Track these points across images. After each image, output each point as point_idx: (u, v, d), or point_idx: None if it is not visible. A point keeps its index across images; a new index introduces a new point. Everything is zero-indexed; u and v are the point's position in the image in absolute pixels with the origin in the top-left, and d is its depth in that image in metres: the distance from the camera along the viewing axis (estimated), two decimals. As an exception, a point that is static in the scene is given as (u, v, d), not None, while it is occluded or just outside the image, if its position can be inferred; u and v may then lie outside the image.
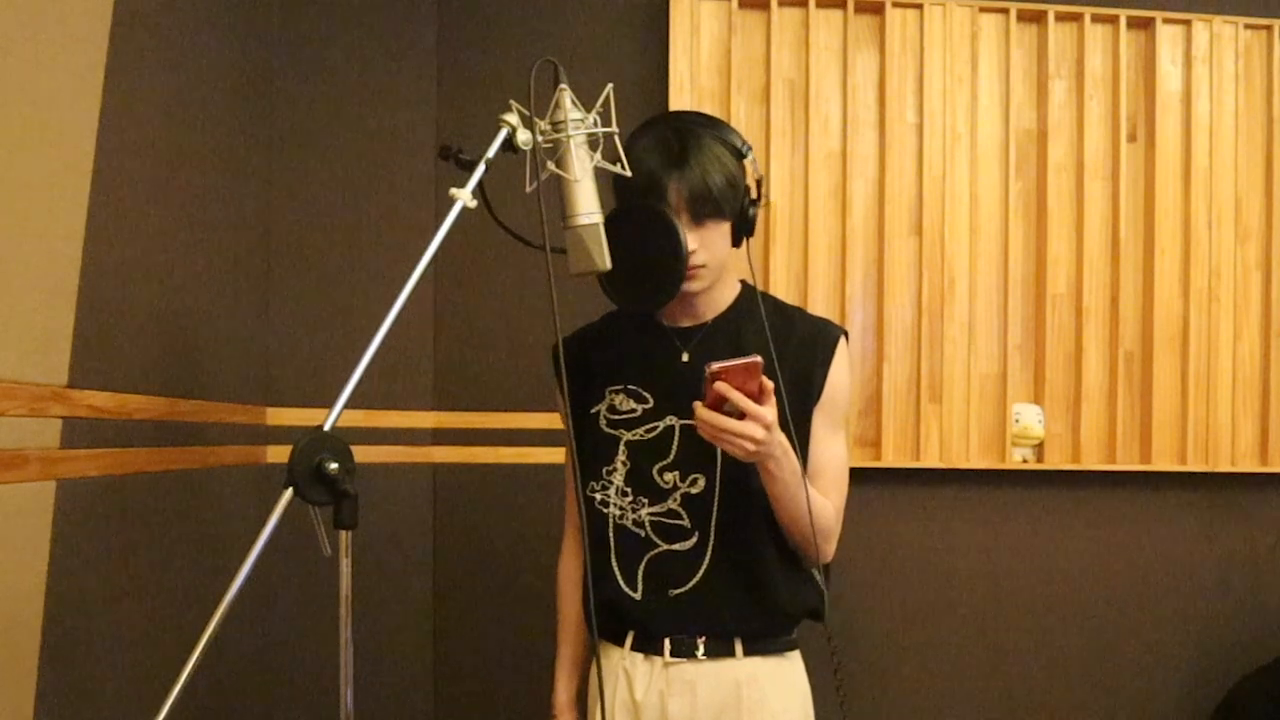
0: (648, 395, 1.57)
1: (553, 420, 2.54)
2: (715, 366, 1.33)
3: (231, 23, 2.16)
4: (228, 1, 2.13)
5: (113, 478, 1.59)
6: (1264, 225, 2.74)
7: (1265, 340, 2.73)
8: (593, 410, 1.61)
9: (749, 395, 1.36)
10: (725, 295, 1.59)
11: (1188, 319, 2.69)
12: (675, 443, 1.54)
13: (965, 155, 2.64)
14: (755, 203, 1.54)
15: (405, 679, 2.50)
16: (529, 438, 2.55)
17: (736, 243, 1.55)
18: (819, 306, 2.60)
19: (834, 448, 1.58)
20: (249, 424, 2.29)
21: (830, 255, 2.62)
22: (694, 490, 1.54)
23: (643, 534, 1.56)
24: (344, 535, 1.15)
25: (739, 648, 1.54)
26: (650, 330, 1.61)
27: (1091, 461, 2.67)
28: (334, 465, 1.14)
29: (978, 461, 2.63)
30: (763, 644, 1.56)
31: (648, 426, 1.56)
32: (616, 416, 1.58)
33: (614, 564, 1.58)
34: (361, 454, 2.21)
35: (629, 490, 1.56)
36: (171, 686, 1.07)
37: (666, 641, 1.54)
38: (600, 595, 1.58)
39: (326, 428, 1.17)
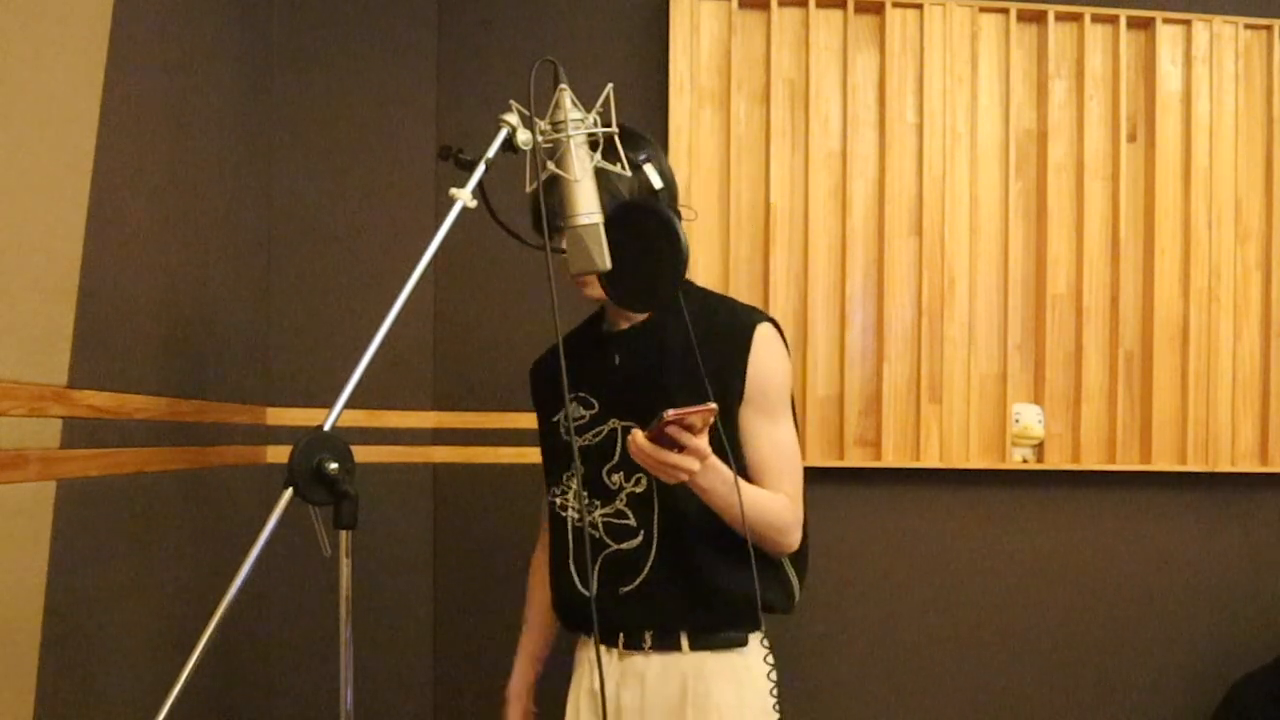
0: (594, 401, 1.63)
1: (553, 420, 2.54)
2: (671, 415, 1.35)
3: (231, 23, 2.15)
4: (228, 1, 2.13)
5: (113, 478, 1.59)
6: (1264, 225, 2.74)
7: (1265, 340, 2.73)
8: (553, 419, 1.69)
9: (693, 429, 1.38)
10: None
11: (1188, 319, 2.69)
12: (619, 445, 1.59)
13: (965, 155, 2.65)
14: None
15: (405, 679, 2.50)
16: (529, 438, 2.54)
17: None
18: (819, 306, 2.60)
19: (774, 438, 1.58)
20: (249, 424, 2.29)
21: (830, 255, 2.62)
22: (638, 490, 1.58)
23: (596, 535, 1.61)
24: (344, 535, 1.15)
25: (684, 641, 1.58)
26: (594, 337, 1.68)
27: (1091, 461, 2.67)
28: (334, 465, 1.14)
29: (978, 461, 2.63)
30: (708, 638, 1.58)
31: (595, 430, 1.62)
32: (572, 423, 1.61)
33: (570, 565, 1.64)
34: (361, 454, 2.22)
35: (585, 493, 1.62)
36: (171, 686, 1.07)
37: (620, 634, 1.60)
38: (559, 594, 1.68)
39: (326, 428, 1.17)
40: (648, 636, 1.58)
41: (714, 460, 1.45)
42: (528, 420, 2.56)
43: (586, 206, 1.37)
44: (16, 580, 1.33)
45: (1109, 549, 2.70)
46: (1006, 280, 2.66)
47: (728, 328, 1.58)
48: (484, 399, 2.55)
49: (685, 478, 1.41)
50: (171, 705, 1.06)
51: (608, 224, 1.40)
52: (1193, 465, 2.68)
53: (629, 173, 1.46)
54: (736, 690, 1.58)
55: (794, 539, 1.59)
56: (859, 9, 2.62)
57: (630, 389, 1.59)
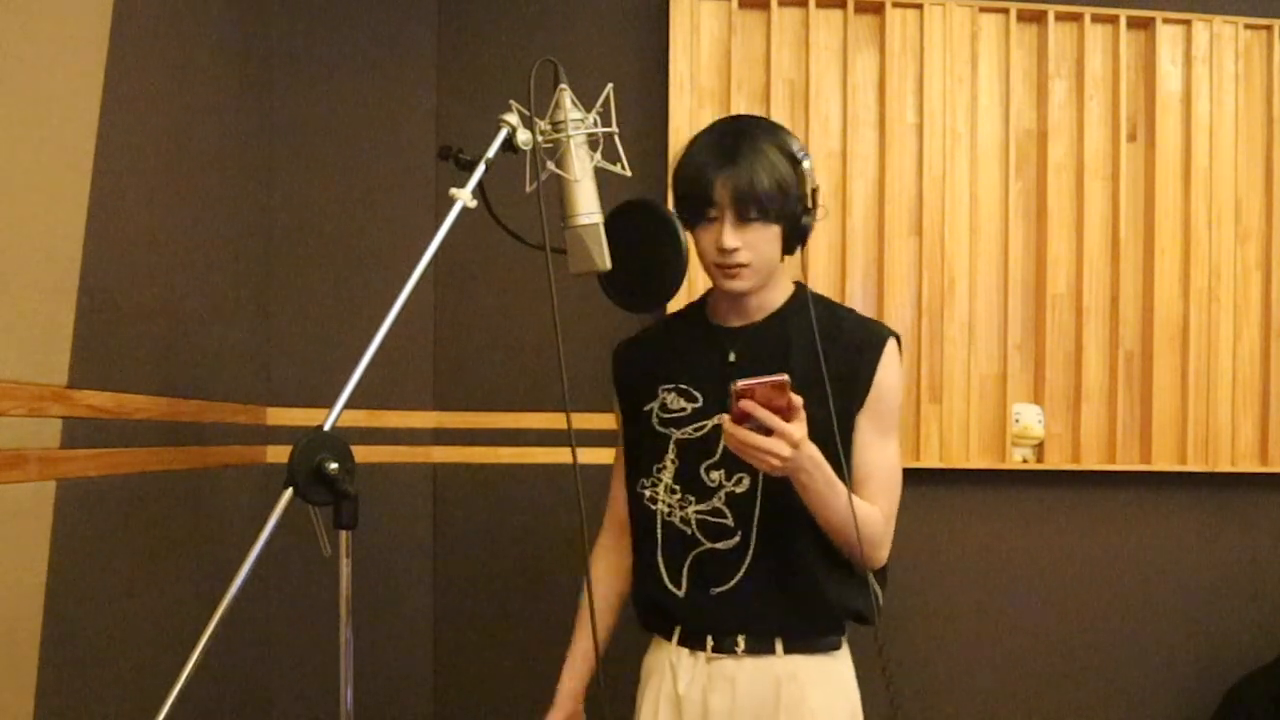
0: (697, 394, 1.59)
1: (552, 420, 2.54)
2: (740, 384, 1.34)
3: (231, 23, 2.15)
4: (228, 2, 2.13)
5: (113, 478, 1.59)
6: (1264, 225, 2.74)
7: (1265, 340, 2.73)
8: (645, 408, 1.63)
9: (777, 411, 1.36)
10: (776, 296, 1.60)
11: (1188, 319, 2.69)
12: (721, 442, 1.54)
13: (965, 155, 2.64)
14: (809, 211, 1.52)
15: (405, 679, 2.50)
16: (529, 438, 2.55)
17: (789, 249, 1.55)
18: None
19: (883, 453, 1.56)
20: (249, 424, 2.29)
21: (830, 255, 2.62)
22: (738, 489, 1.55)
23: (689, 531, 1.57)
24: (344, 535, 1.15)
25: (779, 645, 1.55)
26: (701, 329, 1.64)
27: (1091, 461, 2.66)
28: (334, 465, 1.14)
29: (978, 461, 2.63)
30: (804, 642, 1.56)
31: (696, 425, 1.58)
32: (667, 415, 1.60)
33: (659, 560, 1.60)
34: (361, 454, 2.21)
35: (677, 488, 1.58)
36: (171, 686, 1.07)
37: (709, 637, 1.56)
38: (645, 591, 1.63)
39: (326, 428, 1.17)
40: (741, 640, 1.55)
41: (815, 455, 1.42)
42: (528, 420, 2.57)
43: (586, 206, 1.37)
44: (16, 580, 1.33)
45: (1109, 549, 2.70)
46: (1006, 280, 2.65)
47: (858, 336, 1.56)
48: (484, 399, 2.55)
49: (777, 463, 1.37)
50: (171, 705, 1.06)
51: (608, 224, 1.41)
52: (1193, 465, 2.68)
53: (629, 173, 1.46)
54: (829, 694, 1.56)
55: (882, 555, 1.56)
56: (859, 9, 2.62)
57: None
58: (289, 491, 1.14)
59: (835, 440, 1.47)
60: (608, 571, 1.72)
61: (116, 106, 1.56)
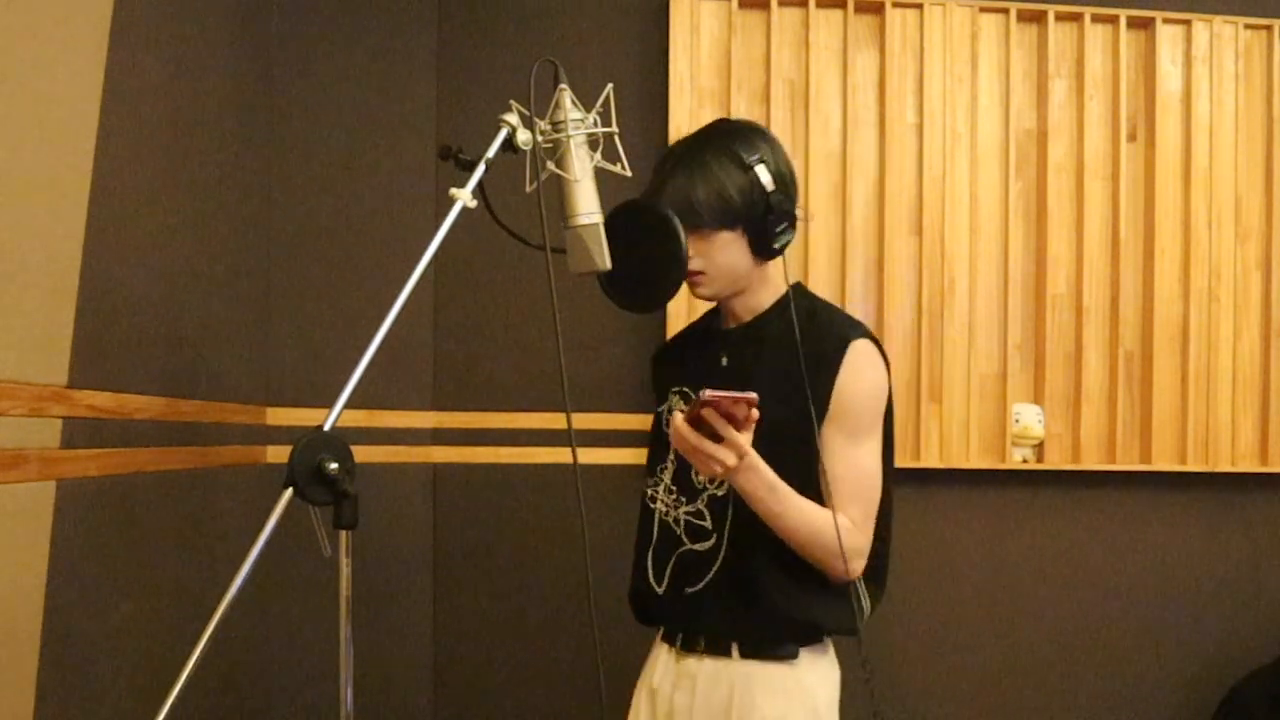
0: (694, 396, 1.59)
1: (553, 420, 2.54)
2: (708, 394, 1.34)
3: (231, 23, 2.15)
4: (228, 2, 2.13)
5: (113, 478, 1.59)
6: (1264, 225, 2.74)
7: (1265, 340, 2.73)
8: (659, 410, 1.70)
9: (735, 421, 1.37)
10: (763, 299, 1.61)
11: (1188, 319, 2.69)
12: None
13: (965, 155, 2.64)
14: (770, 213, 1.51)
15: (405, 679, 2.50)
16: (529, 438, 2.55)
17: (762, 253, 1.55)
18: (819, 306, 2.60)
19: (850, 459, 1.53)
20: (249, 424, 2.29)
21: (830, 255, 2.62)
22: (719, 492, 1.57)
23: (677, 531, 1.62)
24: (344, 535, 1.15)
25: (735, 649, 1.57)
26: (707, 334, 1.69)
27: (1091, 461, 2.66)
28: (334, 465, 1.14)
29: (978, 461, 2.63)
30: (756, 649, 1.57)
31: None
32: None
33: (649, 557, 1.65)
34: (361, 454, 2.22)
35: (674, 488, 1.63)
36: (171, 686, 1.07)
37: (680, 635, 1.62)
38: (633, 585, 1.69)
39: (326, 428, 1.17)
40: (702, 640, 1.58)
41: (757, 464, 1.42)
42: (528, 420, 2.57)
43: (586, 206, 1.37)
44: (16, 580, 1.33)
45: (1109, 549, 2.70)
46: (1006, 280, 2.65)
47: (822, 340, 1.54)
48: (484, 399, 2.55)
49: (719, 470, 1.40)
50: (171, 705, 1.06)
51: (608, 224, 1.41)
52: (1193, 465, 2.68)
53: (629, 173, 1.46)
54: (783, 703, 1.55)
55: (852, 566, 1.51)
56: (859, 9, 2.62)
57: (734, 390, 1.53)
58: (289, 491, 1.13)
59: (794, 444, 1.48)
60: None
61: (116, 106, 1.56)
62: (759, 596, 1.54)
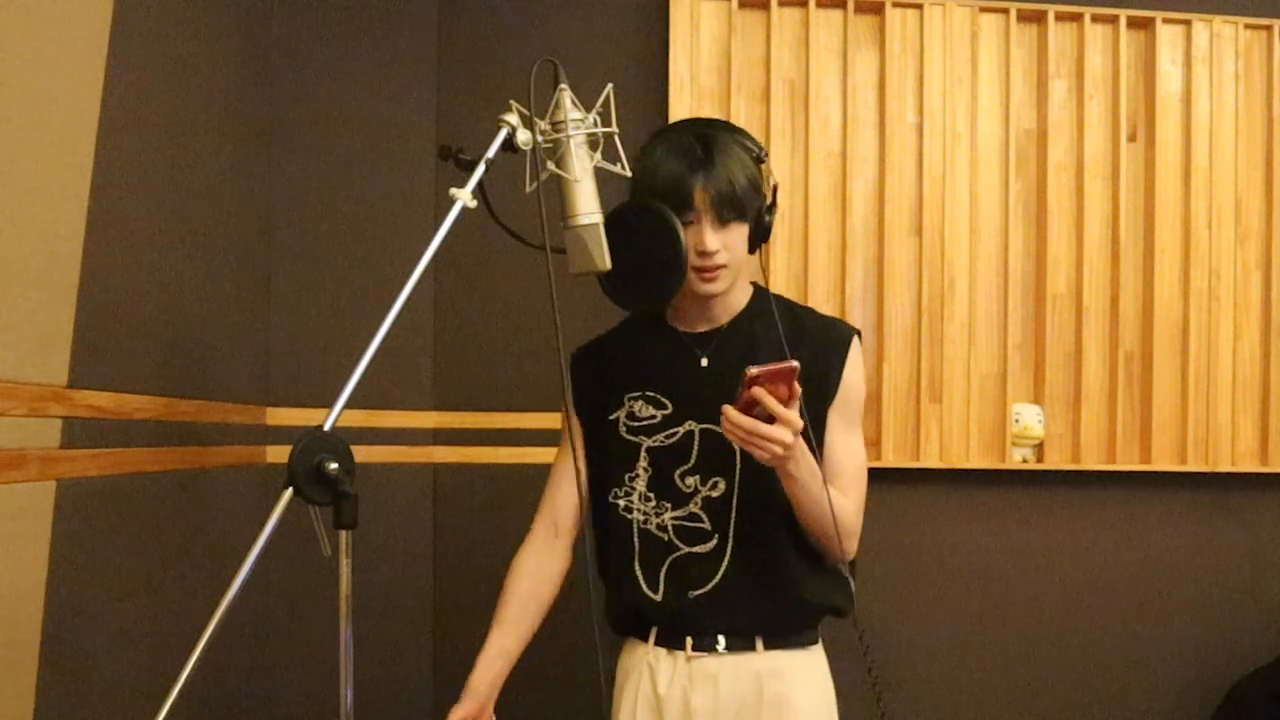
0: (666, 401, 1.58)
1: (553, 420, 2.54)
2: (754, 371, 1.34)
3: (231, 23, 2.16)
4: (228, 2, 2.13)
5: (113, 478, 1.59)
6: (1264, 225, 2.74)
7: (1265, 340, 2.73)
8: (610, 417, 1.62)
9: (779, 399, 1.37)
10: (739, 298, 1.61)
11: (1188, 319, 2.69)
12: (695, 447, 1.56)
13: (965, 155, 2.64)
14: (771, 209, 1.55)
15: (405, 679, 2.49)
16: (529, 438, 2.55)
17: (752, 248, 1.56)
18: (819, 306, 2.58)
19: (851, 446, 1.60)
20: (249, 424, 2.29)
21: (830, 255, 2.62)
22: (715, 494, 1.56)
23: (665, 538, 1.58)
24: (344, 535, 1.15)
25: (759, 642, 1.56)
26: (666, 336, 1.63)
27: (1091, 461, 2.67)
28: (334, 465, 1.14)
29: (978, 461, 2.63)
30: (783, 638, 1.58)
31: (668, 432, 1.58)
32: (636, 423, 1.60)
33: (636, 568, 1.60)
34: (361, 454, 2.21)
35: (651, 495, 1.59)
36: (171, 686, 1.07)
37: (689, 638, 1.57)
38: (622, 599, 1.62)
39: (326, 428, 1.17)
40: (721, 639, 1.56)
41: (803, 445, 1.43)
42: (528, 420, 2.57)
43: (586, 206, 1.37)
44: (16, 580, 1.33)
45: (1109, 549, 2.70)
46: (1006, 280, 2.65)
47: (824, 335, 1.59)
48: (484, 399, 2.55)
49: (780, 451, 1.38)
50: (171, 705, 1.06)
51: (608, 224, 1.41)
52: (1193, 465, 2.68)
53: (629, 173, 1.46)
54: (811, 689, 1.59)
55: (852, 546, 1.59)
56: (859, 9, 2.62)
57: (722, 392, 1.49)
58: (289, 491, 1.13)
59: (810, 438, 1.47)
60: (536, 571, 1.66)
61: (116, 106, 1.56)
62: (784, 585, 1.55)
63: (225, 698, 2.12)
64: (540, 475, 2.38)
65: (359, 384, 1.21)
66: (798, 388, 1.37)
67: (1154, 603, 2.71)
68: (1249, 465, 2.72)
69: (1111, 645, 2.70)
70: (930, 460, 2.60)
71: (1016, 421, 2.63)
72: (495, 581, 2.55)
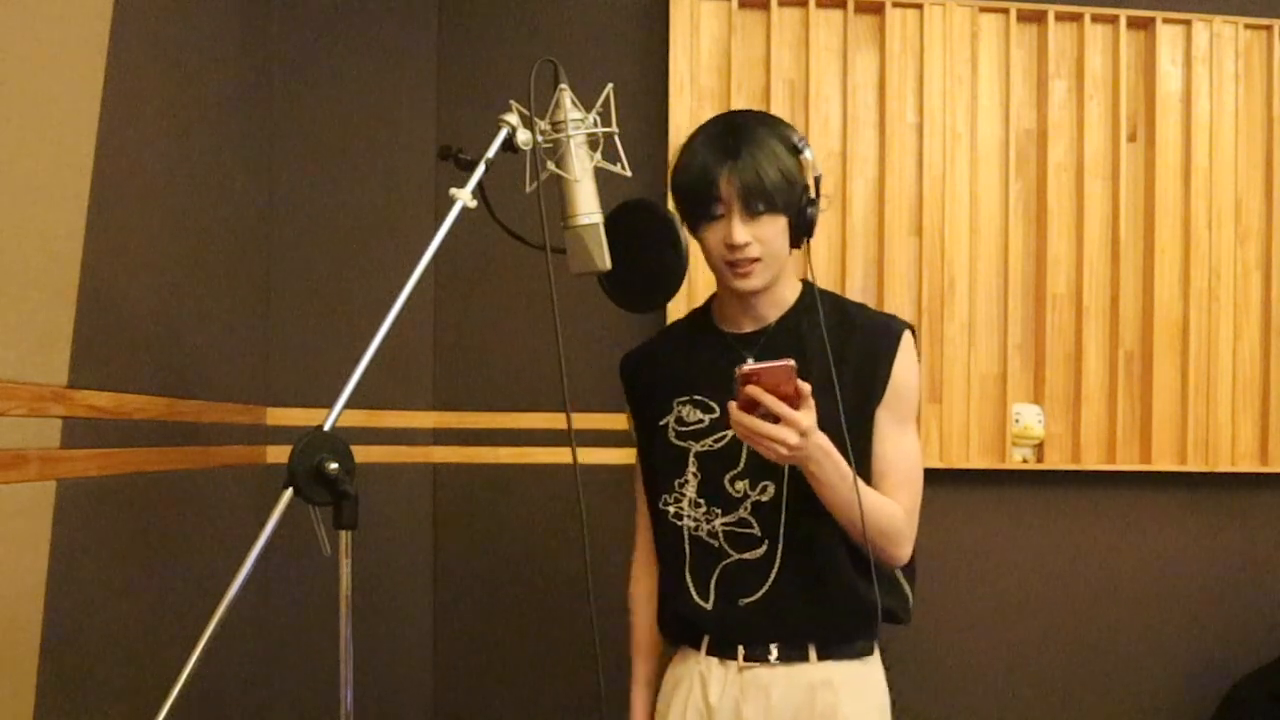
0: (714, 405, 1.55)
1: (552, 420, 2.54)
2: (745, 369, 1.32)
3: (231, 24, 2.16)
4: (228, 2, 2.13)
5: (113, 478, 1.59)
6: (1264, 225, 2.74)
7: (1265, 340, 2.73)
8: (660, 423, 1.60)
9: (784, 398, 1.33)
10: (787, 295, 1.57)
11: (1188, 319, 2.69)
12: (744, 451, 1.52)
13: (965, 155, 2.64)
14: (814, 201, 1.50)
15: (405, 679, 2.50)
16: (529, 438, 2.55)
17: (795, 243, 1.52)
18: (819, 306, 2.60)
19: (903, 446, 1.55)
20: (249, 424, 2.29)
21: (830, 255, 2.62)
22: (764, 498, 1.52)
23: (716, 544, 1.55)
24: (344, 535, 1.15)
25: (812, 652, 1.53)
26: (712, 339, 1.60)
27: (1091, 461, 2.66)
28: (334, 465, 1.14)
29: (978, 461, 2.63)
30: (837, 648, 1.54)
31: (716, 436, 1.55)
32: (684, 428, 1.57)
33: (687, 576, 1.57)
34: (361, 454, 2.21)
35: (702, 501, 1.56)
36: (171, 686, 1.07)
37: (740, 647, 1.54)
38: (673, 607, 1.60)
39: (326, 428, 1.17)
40: (773, 648, 1.53)
41: (825, 444, 1.39)
42: (528, 420, 2.57)
43: (586, 206, 1.37)
44: (16, 580, 1.33)
45: (1109, 549, 2.70)
46: (1006, 280, 2.65)
47: (874, 330, 1.54)
48: (484, 399, 2.55)
49: (785, 451, 1.35)
50: (171, 705, 1.06)
51: (608, 224, 1.41)
52: (1193, 465, 2.68)
53: (629, 173, 1.46)
54: (863, 701, 1.54)
55: (905, 551, 1.54)
56: (859, 9, 2.62)
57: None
58: (289, 491, 1.13)
59: (845, 438, 1.44)
60: (650, 599, 1.67)
61: (116, 106, 1.56)
62: (835, 592, 1.52)
63: (225, 698, 2.12)
64: (540, 475, 2.40)
65: (359, 384, 1.21)
66: (805, 386, 1.34)
67: (1154, 603, 2.71)
68: (1249, 465, 2.72)
69: (1111, 645, 2.70)
70: (930, 460, 2.60)
71: (1016, 421, 2.63)
72: (495, 581, 2.56)
